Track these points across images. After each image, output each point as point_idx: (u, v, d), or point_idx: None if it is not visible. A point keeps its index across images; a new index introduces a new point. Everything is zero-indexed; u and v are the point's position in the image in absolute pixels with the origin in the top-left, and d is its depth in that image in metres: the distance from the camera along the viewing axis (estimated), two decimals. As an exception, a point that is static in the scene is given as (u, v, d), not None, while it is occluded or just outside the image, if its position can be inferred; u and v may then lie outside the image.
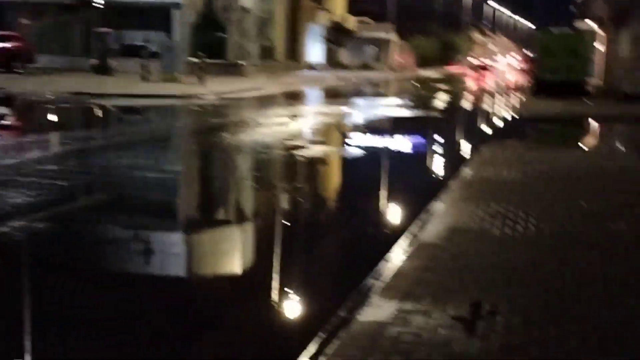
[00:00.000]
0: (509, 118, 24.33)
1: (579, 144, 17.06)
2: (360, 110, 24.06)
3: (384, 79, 53.70)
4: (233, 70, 40.02)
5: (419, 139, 17.68)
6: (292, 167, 12.88)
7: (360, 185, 11.34)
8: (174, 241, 8.04)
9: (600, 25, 45.67)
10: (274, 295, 5.98)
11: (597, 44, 49.74)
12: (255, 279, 6.56)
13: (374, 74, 59.26)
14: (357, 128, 19.59)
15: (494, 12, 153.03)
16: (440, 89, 40.02)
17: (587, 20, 46.22)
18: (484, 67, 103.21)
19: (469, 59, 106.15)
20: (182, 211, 9.91)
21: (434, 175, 12.47)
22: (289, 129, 17.56)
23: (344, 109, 24.41)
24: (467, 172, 11.06)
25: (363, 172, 12.64)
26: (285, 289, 6.11)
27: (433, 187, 9.97)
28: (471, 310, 5.00)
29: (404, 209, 9.37)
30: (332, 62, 63.78)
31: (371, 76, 54.80)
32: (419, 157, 14.88)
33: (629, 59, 29.91)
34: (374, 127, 20.35)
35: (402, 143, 16.88)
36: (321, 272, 6.80)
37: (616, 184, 10.24)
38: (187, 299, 6.00)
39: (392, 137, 18.13)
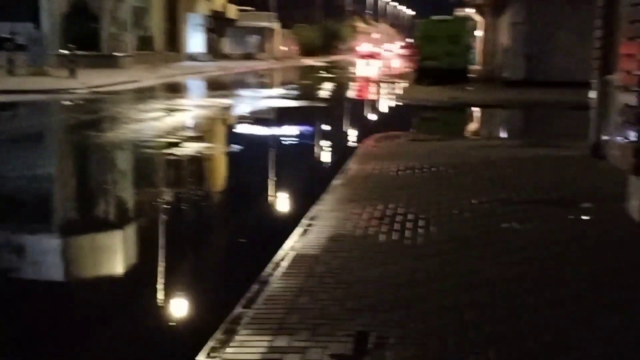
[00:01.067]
0: (394, 107, 23.96)
1: (464, 133, 16.74)
2: (241, 102, 23.09)
3: (267, 69, 52.78)
4: (108, 62, 38.15)
5: (302, 133, 16.91)
6: (162, 168, 11.86)
7: (236, 188, 10.47)
8: (42, 246, 7.30)
9: (479, 13, 46.32)
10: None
11: (476, 32, 50.51)
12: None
13: (258, 63, 58.24)
14: (237, 121, 18.68)
15: (377, 0, 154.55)
16: (325, 78, 39.47)
17: (467, 9, 46.77)
18: (370, 55, 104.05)
19: (356, 46, 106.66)
20: (47, 214, 8.80)
21: (317, 173, 11.65)
22: (164, 124, 16.47)
23: (225, 101, 23.40)
24: (351, 167, 10.35)
25: (241, 172, 11.77)
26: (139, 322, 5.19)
27: (316, 187, 9.20)
28: (355, 343, 4.22)
29: (283, 214, 8.59)
30: (214, 52, 62.29)
31: (254, 66, 53.75)
32: (302, 152, 14.06)
33: (507, 45, 30.14)
34: (255, 119, 19.47)
35: (284, 138, 16.08)
36: (180, 302, 5.91)
37: (504, 176, 9.74)
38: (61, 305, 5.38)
39: (274, 131, 17.31)
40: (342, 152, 12.94)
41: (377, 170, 10.06)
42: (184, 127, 16.00)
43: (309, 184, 10.23)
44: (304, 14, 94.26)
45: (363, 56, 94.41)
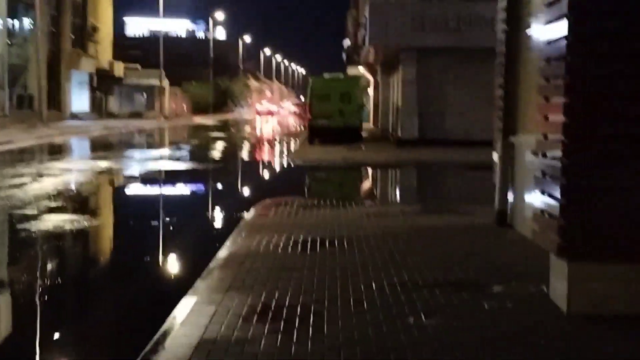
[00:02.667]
0: (286, 168, 22.84)
1: (359, 197, 15.69)
2: (122, 165, 21.42)
3: (156, 128, 51.04)
4: (-20, 122, 35.72)
5: (184, 201, 15.47)
6: (12, 246, 10.21)
7: (87, 280, 8.91)
8: None
9: (370, 71, 46.28)
10: None
11: (369, 90, 50.51)
12: None
13: (146, 122, 56.38)
14: (112, 187, 17.06)
15: (270, 58, 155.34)
16: (216, 138, 38.12)
17: (360, 67, 46.68)
18: (266, 113, 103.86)
19: (250, 105, 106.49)
20: None
21: (192, 252, 10.10)
22: (26, 192, 14.70)
23: (102, 164, 21.69)
24: (234, 243, 9.02)
25: (100, 255, 10.25)
26: None
27: (189, 271, 7.83)
28: None
29: (139, 318, 7.07)
30: (100, 111, 60.12)
31: (142, 125, 51.92)
32: (180, 225, 12.55)
33: (399, 104, 29.71)
34: (132, 185, 17.94)
35: (163, 208, 14.61)
36: None
37: (404, 251, 8.62)
38: None
39: (152, 201, 15.80)
40: (226, 222, 11.62)
41: (263, 246, 8.77)
42: (48, 196, 14.27)
43: (182, 267, 8.86)
44: (194, 71, 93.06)
45: (259, 113, 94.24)
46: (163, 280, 8.37)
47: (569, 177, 5.87)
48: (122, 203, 15.11)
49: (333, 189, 18.13)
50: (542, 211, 6.49)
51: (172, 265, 9.22)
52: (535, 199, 6.67)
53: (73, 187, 15.98)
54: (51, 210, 12.64)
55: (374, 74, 45.71)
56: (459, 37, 27.47)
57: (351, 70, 49.61)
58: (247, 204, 13.07)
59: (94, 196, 16.00)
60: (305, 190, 17.16)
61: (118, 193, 16.49)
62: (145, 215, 13.44)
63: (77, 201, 14.64)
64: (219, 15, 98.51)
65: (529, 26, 8.99)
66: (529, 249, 8.06)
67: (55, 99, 52.07)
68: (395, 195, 16.52)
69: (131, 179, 19.01)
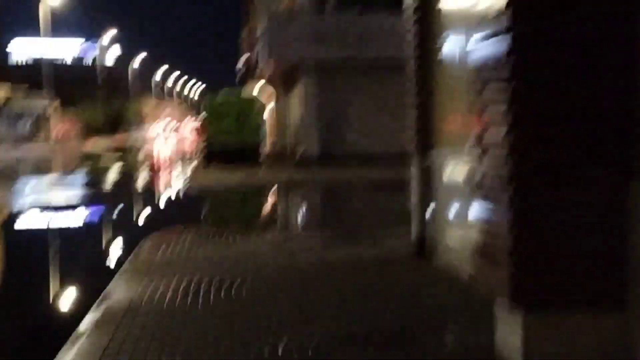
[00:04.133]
0: (181, 193, 21.25)
1: (259, 224, 14.33)
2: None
3: (43, 154, 48.24)
4: None
5: (61, 236, 13.74)
6: None
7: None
8: None
9: (271, 85, 44.99)
10: None
11: (268, 106, 49.23)
12: None
13: (32, 147, 53.35)
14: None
15: (166, 76, 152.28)
16: (108, 162, 35.98)
17: (258, 84, 45.30)
18: (161, 136, 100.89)
19: (146, 126, 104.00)
20: None
21: (57, 313, 8.53)
22: None
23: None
24: (112, 293, 7.53)
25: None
26: None
27: (50, 343, 6.31)
28: None
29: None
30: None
31: (28, 151, 49.02)
32: (45, 270, 10.87)
33: (300, 120, 28.57)
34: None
35: (28, 244, 12.89)
36: None
37: (315, 295, 7.34)
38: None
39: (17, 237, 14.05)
40: (109, 262, 10.09)
41: (148, 296, 7.32)
42: None
43: (46, 329, 7.29)
44: (84, 93, 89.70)
45: (153, 137, 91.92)
46: (16, 348, 6.79)
47: (517, 196, 4.73)
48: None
49: (231, 215, 16.72)
50: (483, 244, 5.33)
51: (33, 327, 7.61)
52: (466, 227, 5.54)
53: None
54: None
55: (272, 90, 44.51)
56: (359, 49, 26.57)
57: (249, 87, 48.25)
58: (136, 237, 11.54)
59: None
60: (201, 216, 15.70)
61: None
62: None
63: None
64: (112, 32, 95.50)
65: (445, 39, 7.90)
66: (458, 286, 6.96)
67: None
68: (299, 220, 15.24)
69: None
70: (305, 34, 26.61)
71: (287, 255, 9.56)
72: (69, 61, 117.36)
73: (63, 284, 9.75)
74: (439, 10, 8.09)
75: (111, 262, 10.31)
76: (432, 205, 8.50)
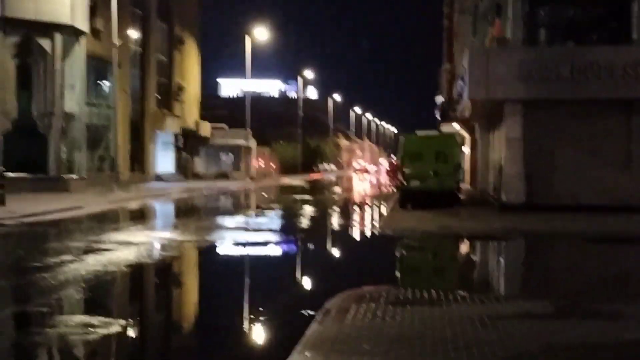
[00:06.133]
0: (375, 239, 19.82)
1: (464, 286, 12.44)
2: (188, 237, 18.81)
3: (241, 189, 48.94)
4: (55, 185, 34.13)
5: (237, 296, 12.61)
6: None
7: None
8: None
9: (466, 128, 43.00)
10: None
11: (464, 148, 47.20)
12: None
13: (231, 183, 54.54)
14: (165, 273, 14.37)
15: (360, 117, 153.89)
16: (303, 201, 35.42)
17: (454, 124, 43.50)
18: (362, 170, 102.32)
19: (348, 163, 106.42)
20: None
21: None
22: (55, 275, 12.20)
23: (168, 235, 19.22)
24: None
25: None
26: None
27: None
28: None
29: None
30: (185, 172, 58.67)
31: (227, 186, 50.00)
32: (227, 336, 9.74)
33: (502, 164, 26.36)
34: (192, 271, 15.33)
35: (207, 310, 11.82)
36: None
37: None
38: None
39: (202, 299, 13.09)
40: (287, 330, 8.71)
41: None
42: (77, 282, 11.67)
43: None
44: (283, 131, 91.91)
45: (356, 171, 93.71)
46: None
47: None
48: (155, 296, 12.42)
49: (429, 271, 14.96)
50: None
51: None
52: None
53: (120, 271, 13.23)
54: (62, 307, 10.02)
55: (470, 131, 42.44)
56: (572, 87, 24.11)
57: (445, 128, 46.46)
58: (322, 295, 10.16)
59: (139, 287, 13.28)
60: (395, 273, 14.10)
61: (161, 280, 13.81)
62: (183, 318, 10.68)
63: (105, 293, 11.95)
64: (309, 74, 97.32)
65: None
66: None
67: (139, 160, 50.82)
68: (511, 282, 13.22)
69: (186, 259, 16.38)
70: (512, 71, 24.50)
71: (502, 333, 7.72)
72: (268, 100, 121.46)
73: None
74: None
75: (273, 341, 8.92)
76: None
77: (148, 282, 13.46)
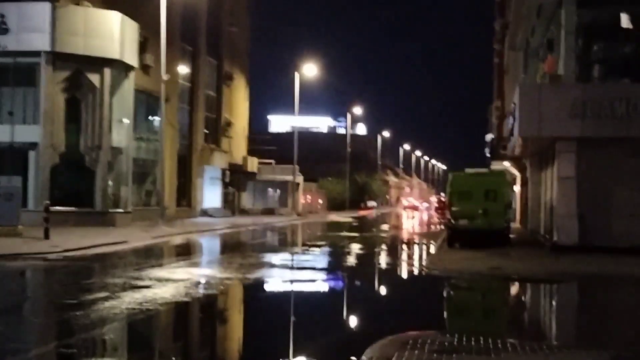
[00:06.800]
0: (421, 279, 19.19)
1: (515, 334, 11.72)
2: (226, 274, 18.39)
3: (288, 225, 48.60)
4: (101, 219, 34.20)
5: (299, 308, 12.12)
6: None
7: None
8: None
9: (516, 166, 42.11)
10: None
11: (515, 186, 46.23)
12: None
13: (278, 219, 54.29)
14: (200, 316, 13.93)
15: (409, 154, 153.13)
16: (350, 238, 34.80)
17: (505, 162, 42.69)
18: (412, 208, 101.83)
19: (398, 201, 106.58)
20: None
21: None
22: (89, 313, 11.86)
23: (207, 271, 18.85)
24: None
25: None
26: None
27: None
28: None
29: None
30: (232, 207, 58.63)
31: (273, 222, 49.71)
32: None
33: (554, 204, 25.52)
34: (229, 312, 14.87)
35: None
36: None
37: None
38: None
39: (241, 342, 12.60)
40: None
41: None
42: (115, 326, 11.29)
43: None
44: (331, 167, 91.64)
45: (404, 209, 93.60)
46: None
47: None
48: (185, 338, 11.99)
49: (477, 316, 14.25)
50: None
51: None
52: None
53: (151, 309, 12.85)
54: (87, 348, 9.61)
55: (521, 169, 41.55)
56: (628, 125, 23.29)
57: (495, 166, 45.63)
58: (365, 339, 9.64)
59: (164, 326, 12.84)
60: (442, 316, 13.46)
61: (196, 320, 13.38)
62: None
63: (135, 334, 11.54)
64: (358, 110, 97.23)
65: None
66: None
67: (186, 195, 50.90)
68: (564, 329, 12.48)
69: (224, 298, 15.93)
70: (564, 108, 23.77)
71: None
72: (317, 135, 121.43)
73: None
74: None
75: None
76: None
77: (181, 323, 13.02)
